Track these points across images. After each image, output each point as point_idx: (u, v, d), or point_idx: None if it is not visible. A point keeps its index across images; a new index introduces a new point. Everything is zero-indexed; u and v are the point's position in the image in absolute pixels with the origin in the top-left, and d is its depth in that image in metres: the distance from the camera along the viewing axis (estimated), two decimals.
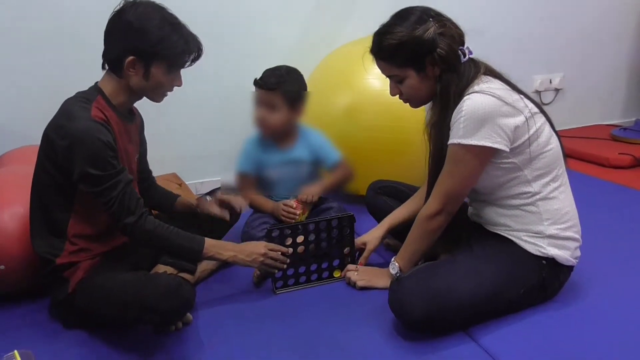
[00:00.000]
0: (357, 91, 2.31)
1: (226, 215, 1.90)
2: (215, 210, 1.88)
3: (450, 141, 1.51)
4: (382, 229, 1.88)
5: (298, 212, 2.03)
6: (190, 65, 1.58)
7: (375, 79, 2.15)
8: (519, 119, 1.48)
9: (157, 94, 1.60)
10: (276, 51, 2.71)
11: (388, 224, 1.87)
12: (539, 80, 3.44)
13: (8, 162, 2.06)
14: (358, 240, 1.90)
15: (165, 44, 1.49)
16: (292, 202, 2.03)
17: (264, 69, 2.02)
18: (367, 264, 1.88)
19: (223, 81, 2.68)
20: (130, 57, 1.49)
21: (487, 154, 1.50)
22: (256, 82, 2.00)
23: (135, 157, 1.72)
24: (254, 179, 2.05)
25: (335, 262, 1.88)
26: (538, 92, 3.46)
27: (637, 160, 2.91)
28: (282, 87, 1.96)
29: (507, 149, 1.49)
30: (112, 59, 1.53)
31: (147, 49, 1.49)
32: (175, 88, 1.62)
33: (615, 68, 3.63)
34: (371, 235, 1.89)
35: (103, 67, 1.56)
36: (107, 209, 1.48)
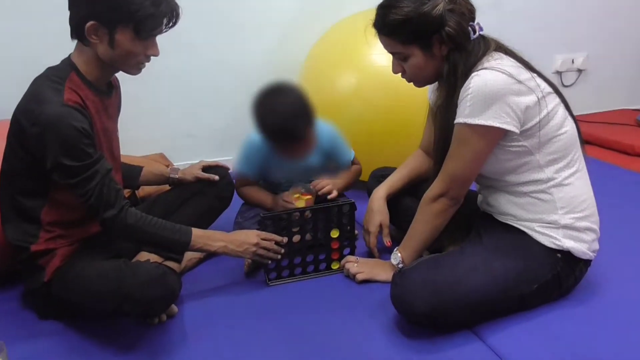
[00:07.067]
0: (361, 68, 2.26)
1: (212, 177, 1.90)
2: (197, 174, 1.91)
3: (456, 120, 1.47)
4: (383, 195, 1.83)
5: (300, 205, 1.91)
6: (166, 31, 1.49)
7: (380, 55, 2.06)
8: (530, 99, 1.44)
9: (129, 65, 1.51)
10: (273, 22, 2.70)
11: (388, 186, 1.84)
12: (560, 60, 3.35)
13: None
14: (371, 225, 1.82)
15: (129, 6, 1.40)
16: (296, 196, 1.90)
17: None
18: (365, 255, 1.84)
19: (214, 54, 2.62)
20: (91, 22, 1.41)
21: (495, 135, 1.46)
22: (287, 135, 1.81)
23: (115, 133, 1.67)
24: (255, 181, 1.99)
25: (346, 251, 1.84)
26: (559, 73, 3.38)
27: None
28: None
29: (517, 131, 1.45)
30: (75, 25, 1.46)
31: (107, 11, 1.40)
32: (161, 60, 1.54)
33: None
34: (379, 210, 1.82)
35: (72, 37, 1.49)
36: (85, 201, 1.42)
